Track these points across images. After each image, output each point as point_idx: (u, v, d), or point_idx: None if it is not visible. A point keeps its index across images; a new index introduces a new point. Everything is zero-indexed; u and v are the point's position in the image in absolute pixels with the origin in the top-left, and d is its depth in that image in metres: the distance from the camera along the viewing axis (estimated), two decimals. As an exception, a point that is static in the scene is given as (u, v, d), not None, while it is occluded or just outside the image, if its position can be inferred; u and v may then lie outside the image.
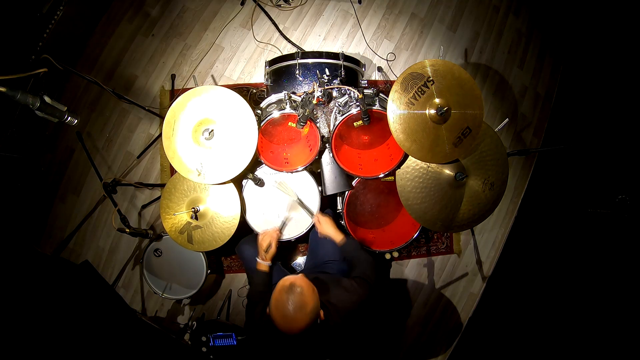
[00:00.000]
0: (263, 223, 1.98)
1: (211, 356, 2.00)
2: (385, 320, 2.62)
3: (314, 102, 1.75)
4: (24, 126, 2.32)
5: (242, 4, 2.65)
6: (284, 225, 1.94)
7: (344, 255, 1.74)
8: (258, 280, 1.72)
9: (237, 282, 2.58)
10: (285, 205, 1.99)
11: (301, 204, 1.92)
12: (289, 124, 1.82)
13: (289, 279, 1.26)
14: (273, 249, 1.75)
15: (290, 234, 1.98)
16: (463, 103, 1.54)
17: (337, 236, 1.74)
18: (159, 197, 2.49)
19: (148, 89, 2.60)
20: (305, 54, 2.02)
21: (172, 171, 2.47)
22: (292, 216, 1.97)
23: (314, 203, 1.98)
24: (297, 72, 2.00)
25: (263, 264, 1.73)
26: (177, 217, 1.86)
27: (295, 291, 1.21)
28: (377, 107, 1.71)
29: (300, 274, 1.34)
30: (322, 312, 1.30)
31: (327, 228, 1.77)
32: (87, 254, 2.57)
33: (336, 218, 2.08)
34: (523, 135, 2.83)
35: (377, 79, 2.71)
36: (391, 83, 2.62)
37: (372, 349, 2.59)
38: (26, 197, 2.53)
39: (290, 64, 2.01)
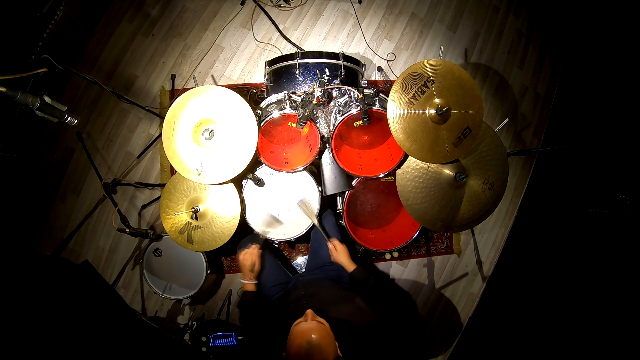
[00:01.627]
0: (263, 223, 1.98)
1: (211, 356, 2.00)
2: (384, 321, 2.61)
3: (314, 102, 1.75)
4: (24, 126, 2.32)
5: (242, 4, 2.65)
6: (263, 240, 1.90)
7: (353, 283, 1.71)
8: (248, 303, 1.68)
9: (237, 282, 2.57)
10: (264, 216, 1.98)
11: (320, 226, 1.90)
12: (289, 124, 1.82)
13: (303, 336, 1.17)
14: (257, 266, 1.73)
15: (290, 233, 1.98)
16: (463, 103, 1.54)
17: (349, 266, 1.72)
18: (159, 197, 2.49)
19: (148, 89, 2.60)
20: (305, 54, 2.02)
21: (172, 171, 2.47)
22: (270, 231, 1.96)
23: (314, 203, 1.98)
24: (297, 72, 2.00)
25: (250, 284, 1.71)
26: (177, 217, 1.86)
27: (314, 351, 1.14)
28: (377, 107, 1.71)
29: (309, 317, 1.24)
30: (337, 344, 1.23)
31: (341, 257, 1.75)
32: (87, 254, 2.56)
33: (336, 218, 2.08)
34: (523, 135, 2.83)
35: (377, 79, 2.71)
36: (391, 83, 2.62)
37: (371, 349, 2.58)
38: (26, 197, 2.54)
39: (290, 64, 2.01)
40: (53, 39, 2.20)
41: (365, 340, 1.37)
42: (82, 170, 2.57)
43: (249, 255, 1.75)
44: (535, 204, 2.74)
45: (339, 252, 1.76)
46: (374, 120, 1.76)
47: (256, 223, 1.97)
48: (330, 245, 1.79)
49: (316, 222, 1.90)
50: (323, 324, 1.22)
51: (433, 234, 2.67)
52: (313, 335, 1.17)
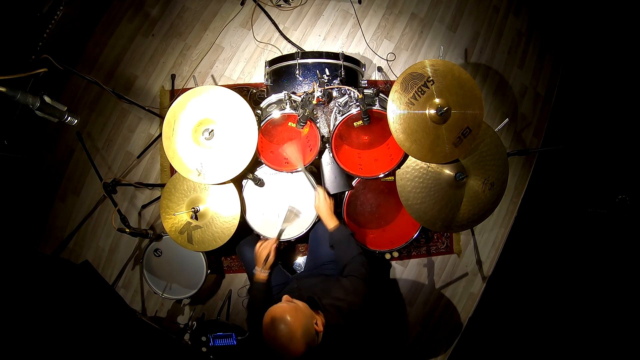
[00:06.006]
0: (263, 223, 1.97)
1: (211, 356, 2.00)
2: (385, 320, 2.62)
3: (314, 102, 1.75)
4: (24, 126, 2.32)
5: (242, 4, 2.65)
6: (280, 234, 1.90)
7: (332, 243, 1.73)
8: (259, 289, 1.71)
9: (237, 282, 2.58)
10: (283, 210, 1.97)
11: (306, 172, 1.85)
12: (289, 124, 1.82)
13: (269, 313, 1.25)
14: (272, 258, 1.75)
15: (290, 234, 1.98)
16: (463, 103, 1.54)
17: (329, 221, 1.73)
18: (159, 197, 2.49)
19: (148, 89, 2.60)
20: (305, 54, 2.02)
21: (172, 171, 2.47)
22: (288, 227, 1.96)
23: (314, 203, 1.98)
24: (297, 72, 1.99)
25: (263, 274, 1.73)
26: (177, 217, 1.86)
27: (279, 325, 1.20)
28: (377, 107, 1.71)
29: (283, 301, 1.31)
30: (319, 320, 1.29)
31: (323, 208, 1.76)
32: (87, 254, 2.56)
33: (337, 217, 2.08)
34: (523, 135, 2.83)
35: (377, 79, 2.71)
36: (391, 83, 2.62)
37: (372, 349, 2.59)
38: (26, 197, 2.54)
39: (290, 64, 2.01)
40: (53, 39, 2.21)
41: (354, 321, 1.41)
42: (82, 170, 2.57)
43: (266, 247, 1.77)
44: (535, 204, 2.73)
45: (320, 203, 1.77)
46: (374, 120, 1.76)
47: (256, 223, 1.97)
48: (315, 193, 1.80)
49: (301, 167, 1.85)
50: (292, 302, 1.29)
51: (433, 234, 2.67)
52: (276, 311, 1.24)
